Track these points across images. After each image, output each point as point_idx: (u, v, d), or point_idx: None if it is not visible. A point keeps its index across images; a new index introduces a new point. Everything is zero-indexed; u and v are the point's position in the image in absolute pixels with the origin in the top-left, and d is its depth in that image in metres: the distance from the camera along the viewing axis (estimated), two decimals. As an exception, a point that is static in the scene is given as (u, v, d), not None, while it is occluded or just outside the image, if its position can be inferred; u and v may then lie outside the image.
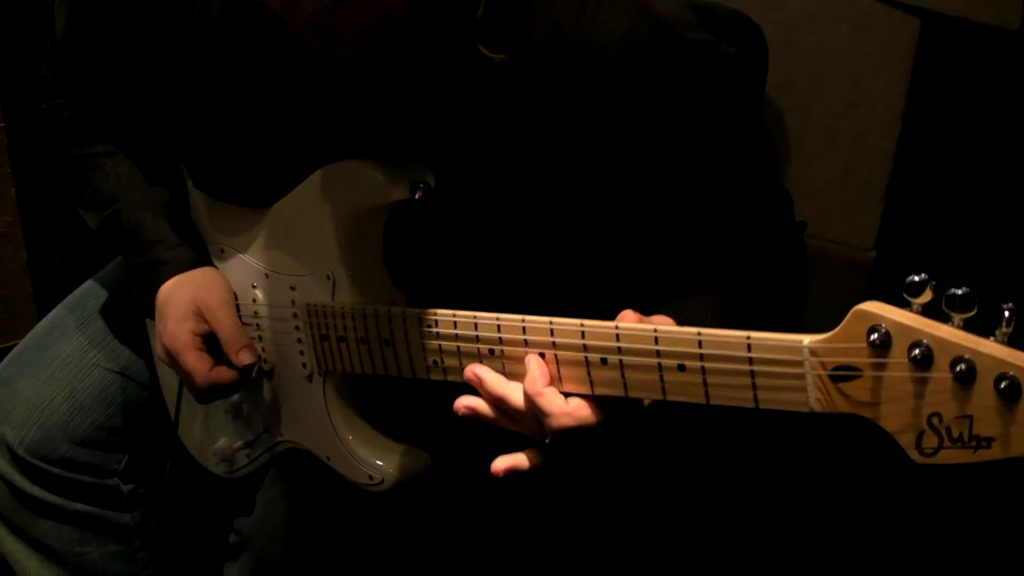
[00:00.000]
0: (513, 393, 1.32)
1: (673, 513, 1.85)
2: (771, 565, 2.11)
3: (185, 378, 1.61)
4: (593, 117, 1.40)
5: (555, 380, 1.30)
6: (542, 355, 1.30)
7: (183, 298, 1.61)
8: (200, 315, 1.59)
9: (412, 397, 1.56)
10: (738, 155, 1.46)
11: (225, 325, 1.58)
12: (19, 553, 1.85)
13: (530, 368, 1.30)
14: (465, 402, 1.35)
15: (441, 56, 1.41)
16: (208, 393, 1.59)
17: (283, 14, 1.29)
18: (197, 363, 1.57)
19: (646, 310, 1.32)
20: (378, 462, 1.53)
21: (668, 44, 1.38)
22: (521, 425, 1.33)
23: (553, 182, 1.45)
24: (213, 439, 1.73)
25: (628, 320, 1.26)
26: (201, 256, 1.67)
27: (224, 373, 1.58)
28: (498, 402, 1.33)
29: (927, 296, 1.04)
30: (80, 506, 1.85)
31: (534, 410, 1.29)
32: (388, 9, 1.32)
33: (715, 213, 1.47)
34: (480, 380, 1.34)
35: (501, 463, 1.33)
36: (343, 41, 1.32)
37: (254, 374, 1.59)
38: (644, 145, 1.42)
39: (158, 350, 1.64)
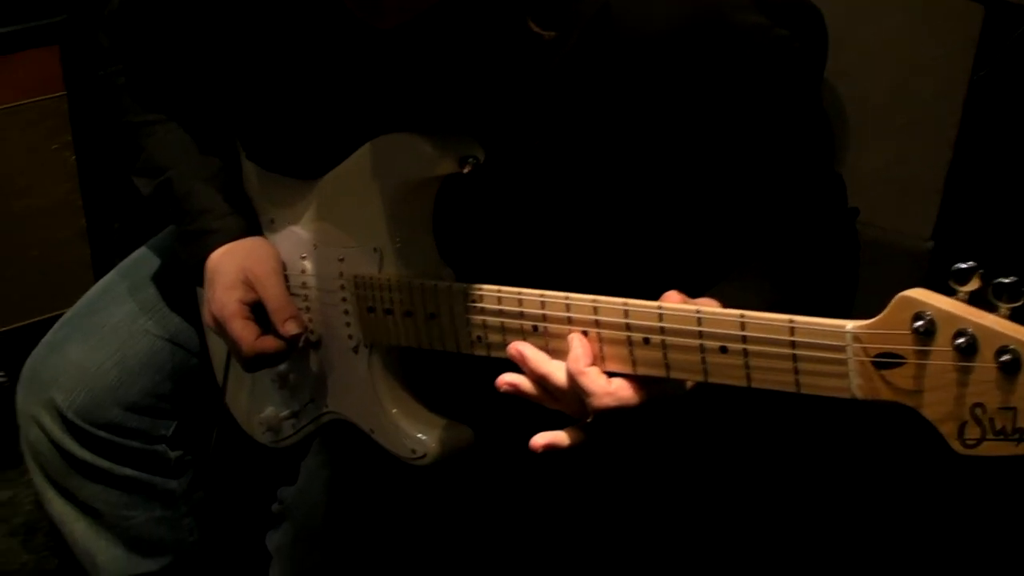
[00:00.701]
0: (555, 371, 1.31)
1: (708, 498, 1.84)
2: (794, 561, 2.10)
3: (232, 346, 1.62)
4: (642, 96, 1.39)
5: (597, 359, 1.29)
6: (585, 333, 1.30)
7: (232, 267, 1.61)
8: (248, 284, 1.60)
9: (456, 372, 1.56)
10: (791, 139, 1.45)
11: (273, 294, 1.59)
12: (67, 515, 1.88)
13: (573, 347, 1.30)
14: (507, 379, 1.35)
15: (491, 32, 1.41)
16: (254, 362, 1.60)
17: None
18: (244, 331, 1.58)
19: (692, 292, 1.31)
20: (421, 436, 1.53)
21: (719, 25, 1.37)
22: (562, 404, 1.33)
23: (602, 160, 1.44)
24: (260, 408, 1.74)
25: (672, 301, 1.25)
26: (251, 225, 1.68)
27: (270, 342, 1.58)
28: (540, 380, 1.33)
29: (974, 284, 1.02)
30: (128, 471, 1.86)
31: (576, 389, 1.29)
32: None
33: (766, 197, 1.46)
34: (523, 357, 1.34)
35: (540, 439, 1.32)
36: (384, 12, 1.32)
37: (300, 344, 1.60)
38: (692, 126, 1.41)
39: (206, 318, 1.65)
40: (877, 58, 2.23)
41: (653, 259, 1.54)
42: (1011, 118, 1.79)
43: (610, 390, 1.27)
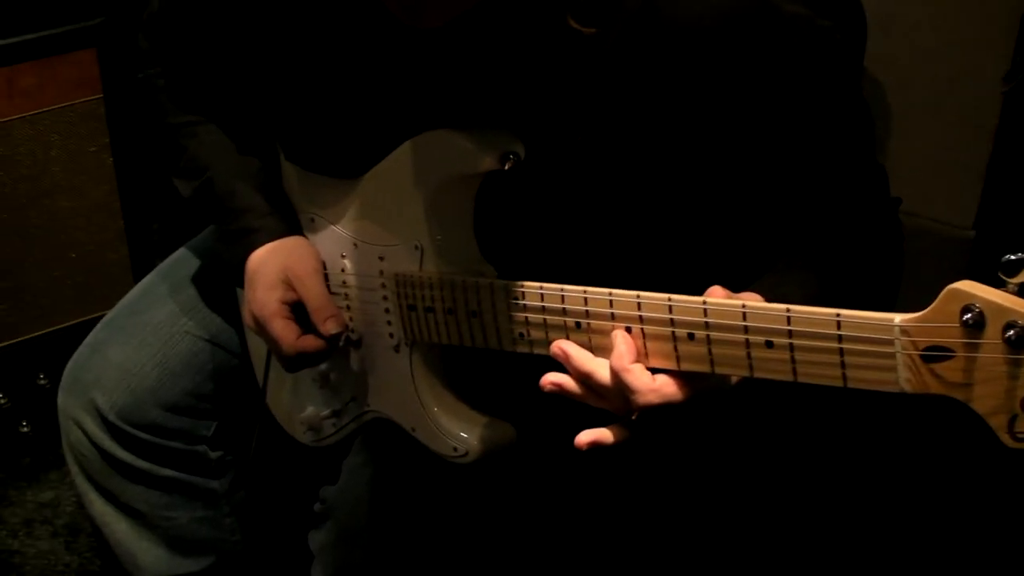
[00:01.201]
0: (599, 369, 1.31)
1: (752, 494, 1.84)
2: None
3: (272, 346, 1.62)
4: (685, 89, 1.39)
5: (641, 355, 1.29)
6: (628, 329, 1.29)
7: (273, 266, 1.62)
8: (289, 283, 1.60)
9: (498, 369, 1.56)
10: (833, 130, 1.44)
11: (313, 294, 1.59)
12: (109, 516, 1.89)
13: (616, 344, 1.29)
14: (551, 378, 1.35)
15: (531, 29, 1.40)
16: (295, 361, 1.60)
17: None
18: (284, 331, 1.58)
19: (735, 286, 1.30)
20: (462, 434, 1.53)
21: (763, 16, 1.36)
22: (607, 401, 1.32)
23: (643, 153, 1.44)
24: (300, 408, 1.74)
25: (716, 296, 1.24)
26: (292, 225, 1.68)
27: (311, 342, 1.58)
28: (584, 378, 1.32)
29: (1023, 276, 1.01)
30: (169, 472, 1.87)
31: (620, 386, 1.28)
32: None
33: (808, 189, 1.45)
34: (567, 355, 1.34)
35: (585, 436, 1.32)
36: (425, 13, 1.32)
37: (341, 343, 1.60)
38: (736, 119, 1.40)
39: (246, 318, 1.66)
40: (918, 47, 2.22)
41: (696, 253, 1.53)
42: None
43: (655, 387, 1.27)
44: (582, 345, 1.34)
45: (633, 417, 1.30)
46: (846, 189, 1.47)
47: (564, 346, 1.34)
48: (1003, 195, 2.15)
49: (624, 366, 1.27)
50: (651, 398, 1.26)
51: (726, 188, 1.47)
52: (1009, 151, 2.07)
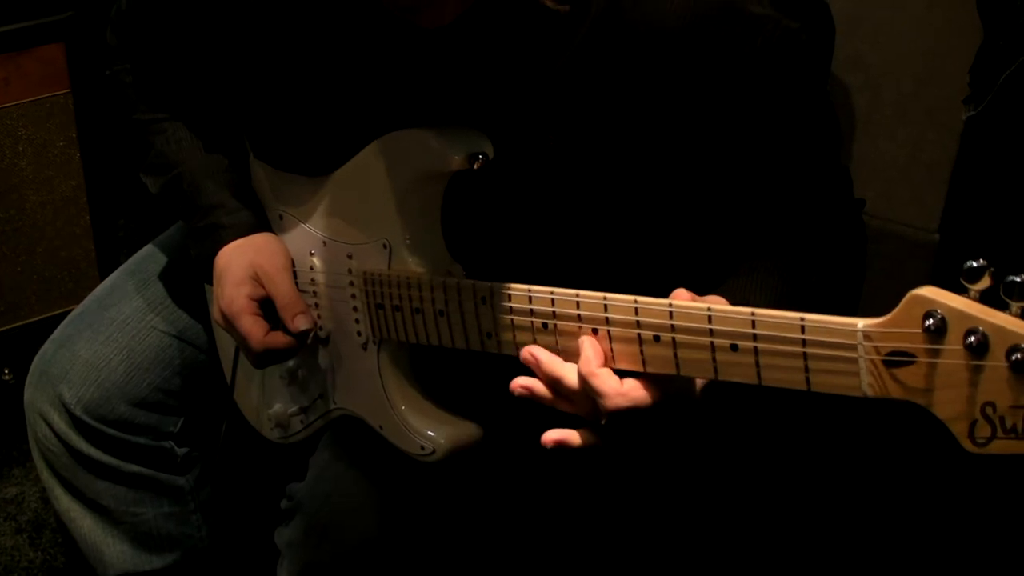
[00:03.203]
0: (568, 374, 1.32)
1: (714, 498, 1.85)
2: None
3: (241, 342, 1.62)
4: (651, 89, 1.39)
5: (608, 357, 1.30)
6: (595, 331, 1.30)
7: (241, 263, 1.62)
8: (257, 280, 1.60)
9: (464, 368, 1.56)
10: (798, 132, 1.45)
11: (282, 290, 1.59)
12: (75, 512, 1.88)
13: (584, 349, 1.30)
14: (521, 382, 1.36)
15: (504, 17, 1.41)
16: (263, 358, 1.60)
17: None
18: (253, 327, 1.58)
19: (700, 288, 1.31)
20: (429, 432, 1.53)
21: (729, 16, 1.37)
22: (576, 406, 1.33)
23: (611, 155, 1.44)
24: (268, 404, 1.74)
25: (681, 299, 1.25)
26: (260, 222, 1.68)
27: (279, 338, 1.59)
28: (554, 383, 1.33)
29: (985, 283, 1.02)
30: (135, 467, 1.87)
31: (588, 391, 1.29)
32: None
33: (773, 190, 1.46)
34: (536, 361, 1.34)
35: (551, 435, 1.33)
36: (448, 6, 1.32)
37: (309, 340, 1.60)
38: (702, 119, 1.41)
39: (215, 314, 1.65)
40: (884, 50, 2.22)
41: (661, 254, 1.54)
42: (1018, 110, 1.79)
43: (622, 390, 1.27)
44: (549, 346, 1.35)
45: (602, 422, 1.30)
46: (810, 191, 1.48)
47: (534, 351, 1.34)
48: (968, 198, 2.16)
49: (591, 371, 1.28)
50: (619, 402, 1.27)
51: (691, 188, 1.48)
52: (974, 154, 2.08)
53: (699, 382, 1.29)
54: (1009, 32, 1.72)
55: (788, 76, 1.42)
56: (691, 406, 1.30)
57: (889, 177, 2.26)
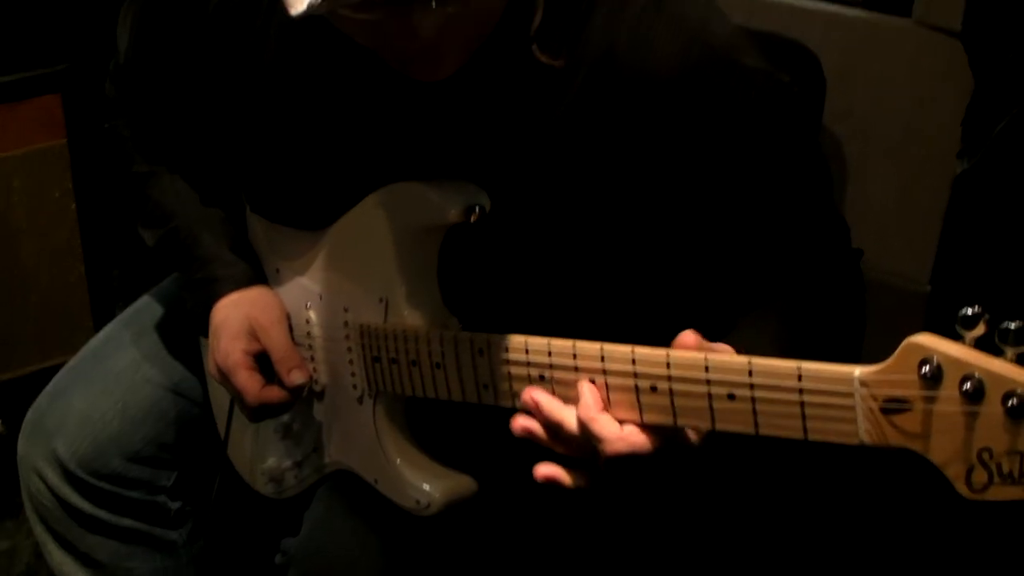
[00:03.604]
0: (568, 418, 1.31)
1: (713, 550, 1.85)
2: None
3: (236, 396, 1.62)
4: (646, 140, 1.40)
5: (605, 405, 1.30)
6: (592, 380, 1.30)
7: (237, 316, 1.62)
8: (253, 334, 1.60)
9: (460, 421, 1.56)
10: (792, 184, 1.46)
11: (277, 344, 1.59)
12: (67, 566, 1.87)
13: (583, 394, 1.30)
14: (522, 422, 1.35)
15: (500, 70, 1.42)
16: (259, 412, 1.60)
17: (378, 49, 1.30)
18: (249, 382, 1.58)
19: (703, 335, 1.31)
20: (425, 486, 1.53)
21: (722, 68, 1.38)
22: (574, 450, 1.33)
23: (605, 205, 1.45)
24: (262, 458, 1.74)
25: (688, 341, 1.25)
26: (256, 275, 1.68)
27: (275, 392, 1.58)
28: (554, 427, 1.33)
29: (980, 329, 1.03)
30: (128, 521, 1.86)
31: (588, 435, 1.29)
32: (483, 22, 1.33)
33: (769, 241, 1.46)
34: (537, 405, 1.34)
35: (543, 469, 1.33)
36: (443, 64, 1.33)
37: (305, 394, 1.60)
38: (697, 169, 1.42)
39: (210, 368, 1.65)
40: (874, 102, 2.24)
41: (657, 303, 1.54)
42: (1008, 162, 1.80)
43: (622, 435, 1.27)
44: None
45: (600, 466, 1.30)
46: (808, 242, 1.48)
47: (535, 395, 1.34)
48: (960, 250, 2.17)
49: (592, 416, 1.28)
50: (619, 446, 1.27)
51: (688, 238, 1.48)
52: (967, 207, 2.09)
53: (696, 431, 1.29)
54: (1001, 86, 1.74)
55: (780, 128, 1.43)
56: (690, 453, 1.30)
57: (880, 227, 2.27)
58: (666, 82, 1.38)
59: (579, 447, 1.31)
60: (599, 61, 1.39)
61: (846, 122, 2.25)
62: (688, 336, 1.26)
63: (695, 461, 1.31)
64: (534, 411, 1.34)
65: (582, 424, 1.29)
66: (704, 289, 1.52)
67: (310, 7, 1.14)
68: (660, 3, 1.39)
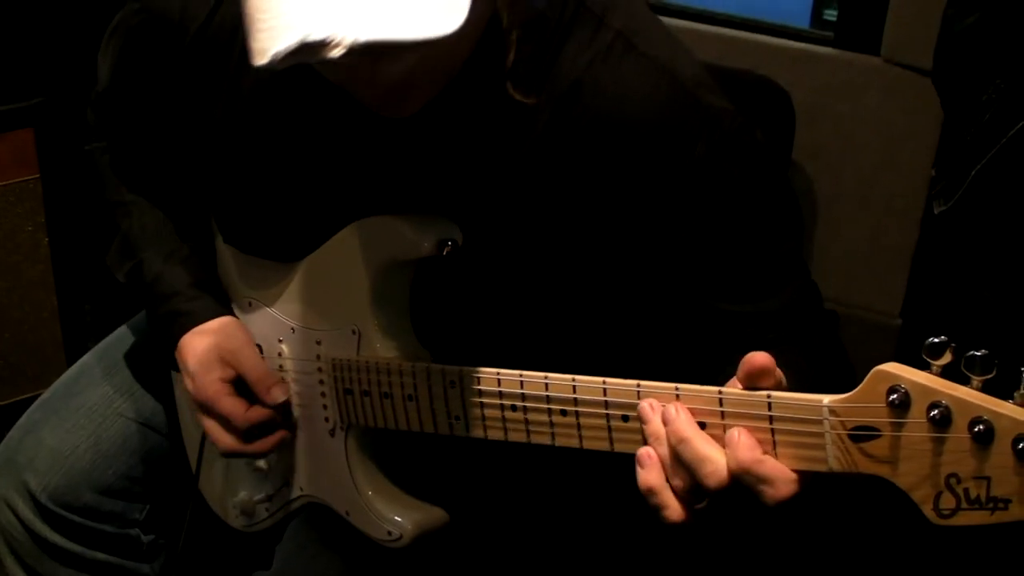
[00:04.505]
0: (710, 452, 1.18)
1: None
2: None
3: (223, 424, 1.61)
4: (609, 177, 1.42)
5: (577, 438, 1.30)
6: (563, 412, 1.30)
7: (204, 347, 1.61)
8: (224, 361, 1.59)
9: (431, 453, 1.56)
10: (757, 224, 1.46)
11: (251, 366, 1.59)
12: (39, 600, 1.86)
13: (740, 438, 1.17)
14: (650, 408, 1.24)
15: (474, 104, 1.43)
16: (250, 434, 1.59)
17: (348, 88, 1.31)
18: (234, 407, 1.58)
19: (671, 371, 1.30)
20: (396, 518, 1.53)
21: (687, 108, 1.39)
22: (669, 473, 1.21)
23: (572, 242, 1.46)
24: (233, 492, 1.73)
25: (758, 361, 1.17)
26: (220, 308, 1.68)
27: (261, 412, 1.58)
28: (680, 444, 1.19)
29: (947, 358, 1.05)
30: (101, 555, 1.85)
31: (752, 476, 1.16)
32: (451, 64, 1.33)
33: (737, 280, 1.46)
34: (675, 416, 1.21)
35: (647, 451, 1.22)
36: (412, 99, 1.34)
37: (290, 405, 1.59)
38: (658, 208, 1.42)
39: (190, 404, 1.64)
40: (844, 139, 2.26)
41: (628, 339, 1.55)
42: (987, 203, 1.82)
43: (791, 477, 1.16)
44: (517, 428, 1.35)
45: (698, 506, 1.21)
46: (775, 281, 1.48)
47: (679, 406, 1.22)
48: (929, 283, 2.19)
49: (759, 457, 1.16)
50: (792, 488, 1.16)
51: (653, 274, 1.49)
52: (941, 244, 2.11)
53: None
54: (974, 125, 1.76)
55: (744, 170, 1.43)
56: None
57: (851, 262, 2.29)
58: (631, 121, 1.39)
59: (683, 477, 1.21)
60: (564, 97, 1.40)
61: (816, 159, 2.28)
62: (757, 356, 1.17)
63: None
64: (670, 421, 1.21)
65: (745, 468, 1.16)
66: (671, 320, 1.52)
67: (272, 63, 1.14)
68: (628, 41, 1.41)
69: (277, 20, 1.13)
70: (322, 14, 1.11)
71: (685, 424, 1.18)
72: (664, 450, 1.20)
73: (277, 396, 1.57)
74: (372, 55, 1.15)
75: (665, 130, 1.39)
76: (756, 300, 1.46)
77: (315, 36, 1.10)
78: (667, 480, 1.20)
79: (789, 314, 1.48)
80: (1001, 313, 1.81)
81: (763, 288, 1.47)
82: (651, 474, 1.20)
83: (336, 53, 1.10)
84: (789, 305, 1.48)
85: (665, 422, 1.20)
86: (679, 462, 1.19)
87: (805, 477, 1.16)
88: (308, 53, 1.11)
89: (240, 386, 1.60)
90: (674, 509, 1.20)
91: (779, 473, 1.15)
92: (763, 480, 1.15)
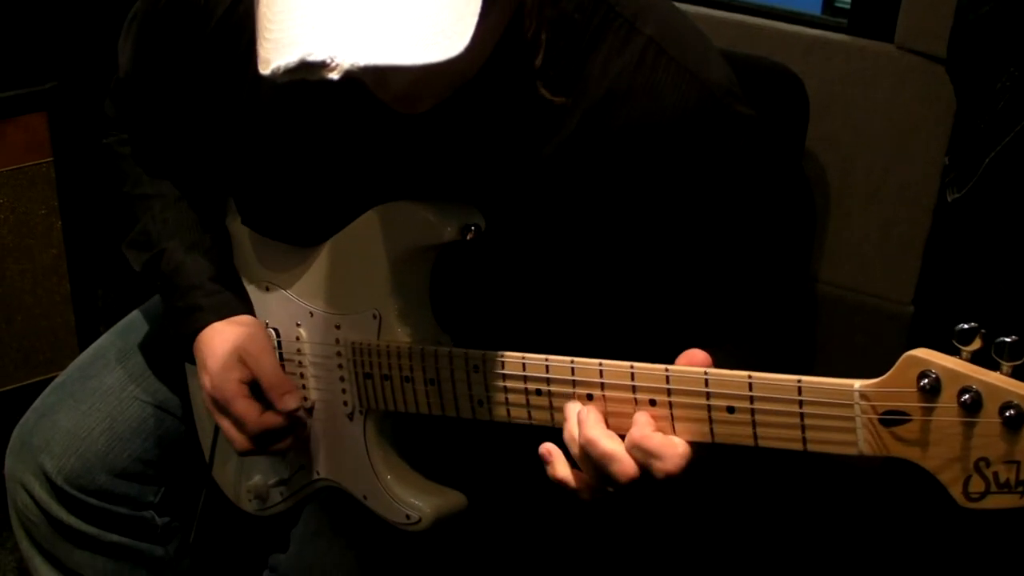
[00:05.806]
0: (603, 438, 1.29)
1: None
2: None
3: (236, 425, 1.61)
4: (636, 178, 1.43)
5: (604, 421, 1.30)
6: (590, 397, 1.31)
7: (225, 347, 1.61)
8: (243, 363, 1.60)
9: (449, 437, 1.57)
10: (758, 225, 1.50)
11: (268, 372, 1.59)
12: (54, 582, 1.87)
13: (636, 418, 1.28)
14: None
15: (501, 101, 1.43)
16: (260, 438, 1.60)
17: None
18: (248, 410, 1.59)
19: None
20: (415, 502, 1.53)
21: (715, 117, 1.42)
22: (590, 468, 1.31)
23: (594, 235, 1.47)
24: (248, 476, 1.74)
25: (697, 359, 1.26)
26: (240, 302, 1.69)
27: (274, 417, 1.59)
28: (587, 444, 1.30)
29: (976, 344, 1.06)
30: (115, 537, 1.86)
31: (644, 453, 1.25)
32: (465, 70, 1.34)
33: (734, 271, 1.49)
34: (583, 421, 1.31)
35: (551, 453, 1.33)
36: (423, 102, 1.34)
37: (299, 412, 1.60)
38: (682, 208, 1.45)
39: (204, 398, 1.65)
40: (856, 128, 2.27)
41: (648, 323, 1.55)
42: (1003, 192, 1.82)
43: (681, 451, 1.25)
44: (541, 411, 1.36)
45: (610, 489, 1.29)
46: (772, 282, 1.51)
47: (585, 411, 1.31)
48: (941, 271, 2.20)
49: (647, 434, 1.26)
50: (679, 463, 1.26)
51: (673, 265, 1.50)
52: (955, 232, 2.11)
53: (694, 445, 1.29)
54: (988, 112, 1.76)
55: (760, 172, 1.48)
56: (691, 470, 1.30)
57: (863, 251, 2.29)
58: (660, 128, 1.41)
59: (596, 467, 1.29)
60: (598, 105, 1.41)
61: (829, 146, 2.28)
62: (695, 354, 1.26)
63: (694, 475, 1.32)
64: (580, 424, 1.31)
65: (635, 443, 1.26)
66: (686, 305, 1.53)
67: (273, 76, 1.15)
68: (659, 47, 1.41)
69: (283, 33, 1.13)
70: (325, 34, 1.11)
71: (592, 426, 1.29)
72: (575, 450, 1.31)
73: (289, 404, 1.57)
74: (372, 77, 1.16)
75: (692, 137, 1.41)
76: (728, 297, 1.50)
77: (316, 56, 1.10)
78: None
79: (753, 318, 1.53)
80: (1014, 300, 1.82)
81: (741, 287, 1.51)
82: (556, 468, 1.33)
83: (334, 75, 1.10)
84: (758, 311, 1.53)
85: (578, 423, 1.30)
86: (587, 460, 1.29)
87: (698, 451, 1.25)
88: (308, 72, 1.11)
89: (255, 388, 1.61)
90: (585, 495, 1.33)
91: (668, 448, 1.24)
92: (653, 454, 1.24)
